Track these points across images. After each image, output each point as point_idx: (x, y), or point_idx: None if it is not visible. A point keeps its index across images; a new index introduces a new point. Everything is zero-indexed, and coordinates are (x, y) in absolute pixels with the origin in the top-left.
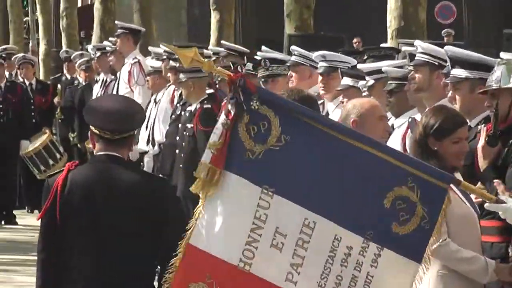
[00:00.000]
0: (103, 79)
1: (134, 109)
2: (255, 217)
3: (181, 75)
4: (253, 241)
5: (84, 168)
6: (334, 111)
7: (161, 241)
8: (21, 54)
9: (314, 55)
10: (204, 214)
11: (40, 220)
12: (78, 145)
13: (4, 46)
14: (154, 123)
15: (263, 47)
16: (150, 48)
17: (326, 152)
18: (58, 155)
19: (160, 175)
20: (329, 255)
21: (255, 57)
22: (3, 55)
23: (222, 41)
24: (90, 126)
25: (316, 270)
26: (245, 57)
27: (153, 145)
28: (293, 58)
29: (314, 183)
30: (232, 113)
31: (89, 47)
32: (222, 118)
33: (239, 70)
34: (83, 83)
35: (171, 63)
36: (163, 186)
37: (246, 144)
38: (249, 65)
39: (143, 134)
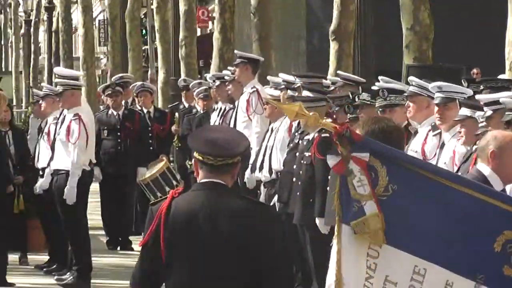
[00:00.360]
0: (221, 108)
1: (239, 138)
2: (366, 267)
3: None
4: None
5: (188, 195)
6: (449, 141)
7: (262, 266)
8: (139, 83)
9: (431, 86)
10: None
11: (141, 243)
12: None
13: (120, 75)
14: (271, 151)
15: (381, 77)
16: (268, 77)
17: (433, 199)
18: (174, 182)
19: (277, 203)
20: None
21: (373, 87)
22: (121, 83)
23: (339, 71)
24: (194, 153)
25: None
26: (360, 87)
27: (270, 174)
28: (411, 88)
29: (422, 230)
30: (365, 160)
31: (208, 76)
32: (356, 168)
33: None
34: (201, 112)
35: (289, 92)
36: (269, 213)
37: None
38: (364, 95)
39: (261, 163)
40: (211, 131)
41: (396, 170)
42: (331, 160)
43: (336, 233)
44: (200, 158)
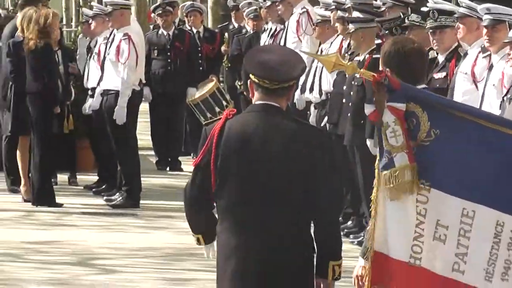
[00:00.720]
0: (271, 28)
1: (295, 60)
2: (416, 213)
3: (350, 25)
4: (419, 236)
5: (242, 117)
6: (498, 62)
7: (316, 191)
8: (189, 2)
9: (479, 7)
10: (379, 217)
11: (194, 162)
12: (244, 93)
13: None
14: (321, 72)
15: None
16: None
17: (475, 141)
18: (224, 103)
19: (327, 124)
20: (493, 241)
21: (423, 8)
22: (170, 3)
23: None
24: (250, 74)
25: (482, 258)
26: (409, 8)
27: (320, 95)
28: (461, 9)
29: (467, 172)
30: (403, 109)
31: None
32: (391, 118)
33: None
34: (251, 32)
35: (339, 13)
36: (320, 135)
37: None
38: (413, 16)
39: (311, 84)
40: (266, 53)
41: (437, 115)
42: (367, 109)
43: (376, 181)
44: (256, 80)
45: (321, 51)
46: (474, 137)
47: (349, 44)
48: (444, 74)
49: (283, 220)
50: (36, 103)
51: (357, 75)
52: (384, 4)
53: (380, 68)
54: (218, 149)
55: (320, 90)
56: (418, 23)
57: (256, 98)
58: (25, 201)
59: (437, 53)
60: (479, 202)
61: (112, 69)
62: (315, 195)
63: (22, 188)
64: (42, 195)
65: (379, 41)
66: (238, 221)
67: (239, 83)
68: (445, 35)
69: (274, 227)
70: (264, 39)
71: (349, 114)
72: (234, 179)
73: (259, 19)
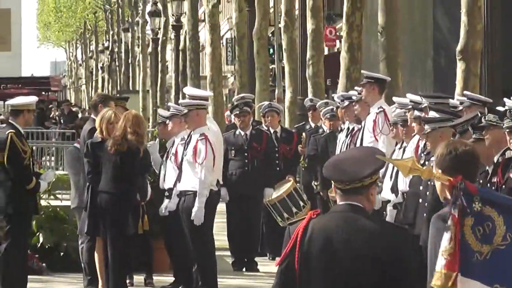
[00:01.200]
0: (348, 128)
1: (368, 158)
2: None
3: (426, 126)
4: None
5: (325, 217)
6: None
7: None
8: (267, 102)
9: None
10: None
11: (277, 266)
12: (321, 193)
13: (242, 95)
14: (398, 172)
15: (506, 99)
16: (394, 98)
17: None
18: (301, 203)
19: (403, 225)
20: None
21: (498, 108)
22: (243, 103)
23: (466, 92)
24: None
25: None
26: (486, 108)
27: (396, 195)
28: None
29: None
30: (457, 216)
31: (335, 95)
32: (450, 222)
33: None
34: (327, 132)
35: (416, 113)
36: (403, 235)
37: (473, 246)
38: (490, 116)
39: (387, 183)
40: (343, 154)
41: None
42: (445, 208)
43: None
44: (333, 183)
45: (398, 149)
46: None
47: (425, 144)
48: None
49: None
50: (114, 203)
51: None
52: (461, 103)
53: (434, 170)
54: (302, 249)
55: (397, 190)
56: (495, 123)
57: (338, 200)
58: None
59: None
60: None
61: (190, 170)
62: None
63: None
64: None
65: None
66: None
67: (316, 183)
68: None
69: None
70: (341, 139)
71: (425, 214)
72: (318, 279)
73: (336, 119)
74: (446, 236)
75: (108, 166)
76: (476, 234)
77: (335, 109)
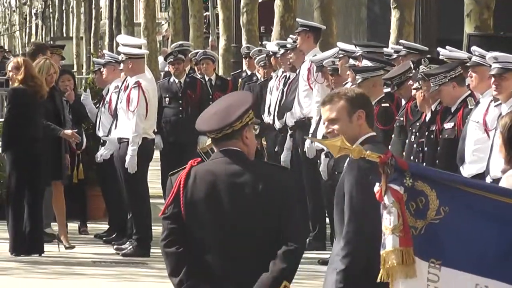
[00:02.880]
0: (285, 76)
1: (234, 102)
2: None
3: (357, 76)
4: None
5: (206, 164)
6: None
7: (284, 225)
8: (201, 50)
9: (487, 56)
10: None
11: (161, 211)
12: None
13: (180, 42)
14: None
15: (446, 48)
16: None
17: (486, 215)
18: None
19: (336, 172)
20: None
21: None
22: (180, 51)
23: (402, 40)
24: None
25: None
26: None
27: None
28: (474, 58)
29: (478, 247)
30: (402, 192)
31: (268, 43)
32: (389, 200)
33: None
34: (261, 80)
35: (351, 61)
36: (284, 174)
37: (409, 222)
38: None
39: (321, 132)
40: (212, 105)
41: (447, 192)
42: (375, 188)
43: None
44: (208, 135)
45: None
46: (484, 211)
47: None
48: (452, 124)
49: (253, 260)
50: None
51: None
52: (396, 52)
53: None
54: (186, 196)
55: None
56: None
57: (215, 149)
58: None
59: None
60: (492, 277)
61: (124, 117)
62: (283, 229)
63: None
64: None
65: (388, 89)
66: (211, 267)
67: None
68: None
69: (245, 276)
70: (274, 86)
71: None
72: (206, 223)
73: (269, 67)
74: (393, 213)
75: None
76: (410, 209)
77: (267, 57)
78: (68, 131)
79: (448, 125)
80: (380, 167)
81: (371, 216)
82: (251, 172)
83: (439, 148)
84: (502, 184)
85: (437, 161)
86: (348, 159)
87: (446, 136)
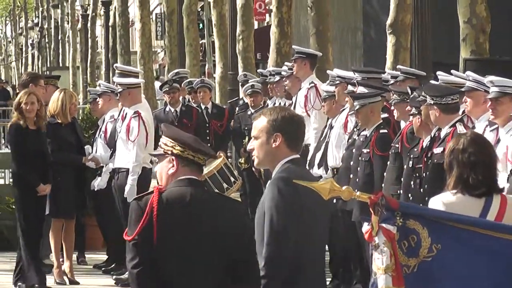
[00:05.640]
0: (280, 103)
1: None
2: None
3: (355, 103)
4: None
5: (175, 190)
6: (504, 136)
7: (237, 256)
8: (199, 79)
9: (485, 80)
10: None
11: (132, 237)
12: (253, 169)
13: (176, 70)
14: (327, 148)
15: (439, 72)
16: (328, 71)
17: (475, 249)
18: (232, 179)
19: (335, 200)
20: None
21: (431, 81)
22: (177, 79)
23: (399, 66)
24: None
25: None
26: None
27: (326, 170)
28: (468, 83)
29: (472, 282)
30: (394, 232)
31: (263, 71)
32: (381, 240)
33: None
34: (251, 109)
35: (350, 87)
36: (237, 206)
37: (401, 260)
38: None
39: (317, 158)
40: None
41: (438, 229)
42: (364, 227)
43: None
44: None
45: (331, 126)
46: (475, 246)
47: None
48: (441, 149)
49: None
50: None
51: (364, 150)
52: (394, 77)
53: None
54: (159, 221)
55: (326, 166)
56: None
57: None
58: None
59: (441, 129)
60: None
61: (123, 147)
62: (240, 266)
63: (54, 270)
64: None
65: (385, 115)
66: None
67: (241, 161)
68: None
69: None
70: None
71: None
72: (172, 250)
73: (257, 94)
74: (385, 253)
75: None
76: (402, 248)
77: (257, 84)
78: (90, 157)
79: (437, 150)
80: (370, 207)
81: (290, 240)
82: (209, 203)
83: (428, 172)
84: (435, 206)
85: (425, 185)
86: (270, 181)
87: (435, 160)
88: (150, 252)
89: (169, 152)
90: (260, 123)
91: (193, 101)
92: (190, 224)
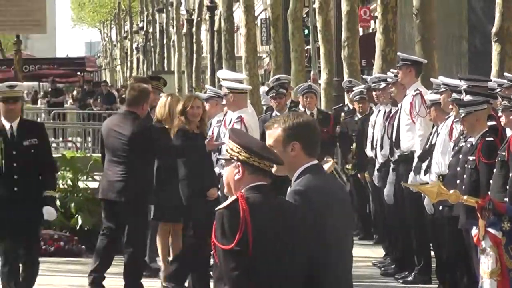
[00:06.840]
0: (385, 111)
1: None
2: None
3: (461, 110)
4: None
5: (258, 195)
6: None
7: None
8: (306, 84)
9: None
10: None
11: (232, 245)
12: (359, 175)
13: (277, 76)
14: (433, 154)
15: None
16: (432, 79)
17: None
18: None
19: (441, 206)
20: None
21: None
22: (279, 84)
23: (506, 73)
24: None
25: None
26: None
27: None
28: None
29: None
30: (500, 237)
31: (368, 77)
32: (487, 244)
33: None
34: (358, 115)
35: (454, 95)
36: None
37: (509, 265)
38: None
39: (425, 166)
40: None
41: None
42: (473, 231)
43: None
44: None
45: (437, 133)
46: None
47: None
48: None
49: None
50: None
51: (470, 158)
52: (500, 85)
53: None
54: (254, 228)
55: (431, 172)
56: None
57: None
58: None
59: None
60: None
61: None
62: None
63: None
64: None
65: (493, 123)
66: None
67: (347, 167)
68: None
69: None
70: (377, 121)
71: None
72: (270, 258)
73: (364, 101)
74: (491, 257)
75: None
76: (509, 252)
77: (363, 91)
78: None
79: None
80: (478, 211)
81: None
82: (287, 208)
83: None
84: None
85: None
86: (288, 190)
87: None
88: (247, 259)
89: (235, 158)
90: (275, 132)
91: (302, 105)
92: (277, 229)
